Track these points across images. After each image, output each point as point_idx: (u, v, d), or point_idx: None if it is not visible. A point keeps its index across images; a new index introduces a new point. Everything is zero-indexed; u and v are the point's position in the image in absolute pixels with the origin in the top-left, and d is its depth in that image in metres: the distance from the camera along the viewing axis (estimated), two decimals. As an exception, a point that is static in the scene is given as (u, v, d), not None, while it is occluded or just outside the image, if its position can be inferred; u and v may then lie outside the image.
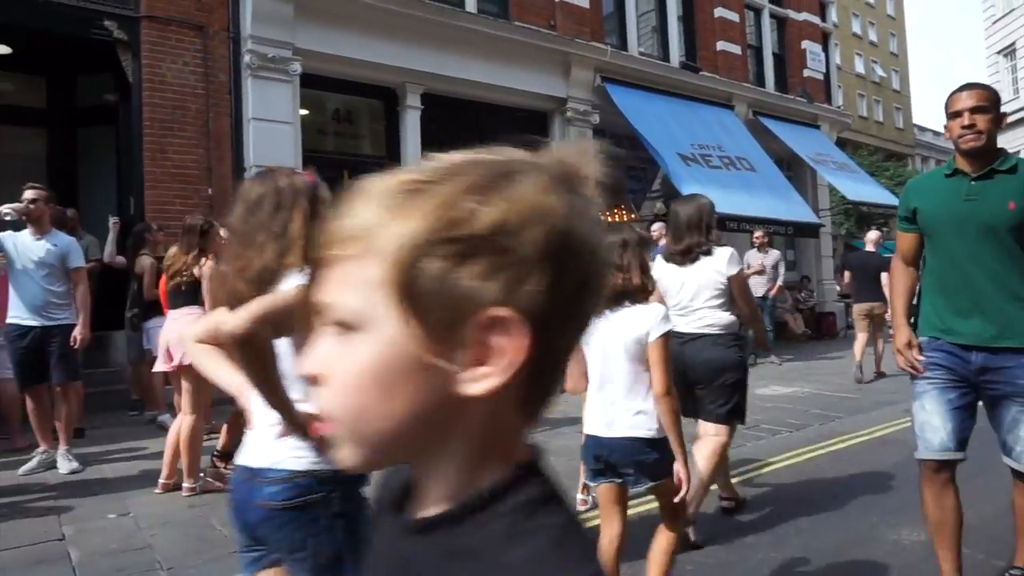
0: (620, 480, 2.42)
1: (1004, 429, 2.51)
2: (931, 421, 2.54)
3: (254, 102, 8.08)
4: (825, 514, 3.79)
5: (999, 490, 4.06)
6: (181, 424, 4.27)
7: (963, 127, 2.45)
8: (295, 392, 1.52)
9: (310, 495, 1.54)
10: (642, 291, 2.41)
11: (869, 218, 21.96)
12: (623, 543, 2.46)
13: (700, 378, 3.45)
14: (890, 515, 3.72)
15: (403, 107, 9.58)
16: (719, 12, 13.74)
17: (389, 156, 9.73)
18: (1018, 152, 18.18)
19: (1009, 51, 29.55)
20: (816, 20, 16.39)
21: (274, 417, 1.54)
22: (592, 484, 2.63)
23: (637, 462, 2.36)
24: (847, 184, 14.19)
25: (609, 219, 12.10)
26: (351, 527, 1.57)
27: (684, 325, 3.44)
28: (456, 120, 10.30)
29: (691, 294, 3.49)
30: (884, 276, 7.75)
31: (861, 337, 8.40)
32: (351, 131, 9.97)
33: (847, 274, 8.97)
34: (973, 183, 2.48)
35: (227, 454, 4.67)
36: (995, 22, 30.49)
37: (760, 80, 14.95)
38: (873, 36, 41.08)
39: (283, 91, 8.29)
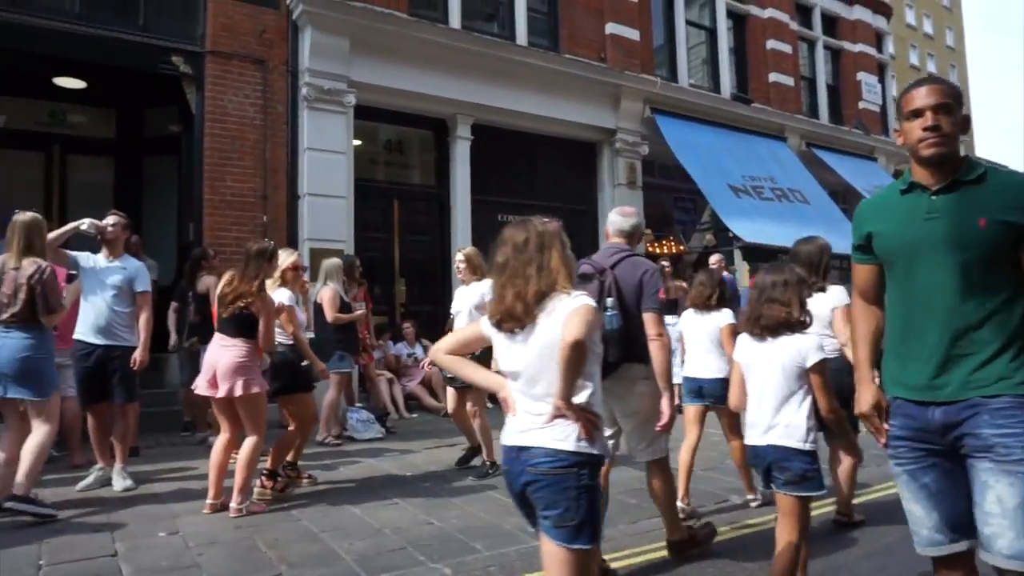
0: (774, 485, 2.81)
1: (975, 503, 1.92)
2: (912, 511, 2.05)
3: (310, 133, 8.31)
4: (883, 557, 3.61)
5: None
6: (244, 445, 4.34)
7: (925, 129, 1.99)
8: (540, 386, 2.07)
9: (565, 469, 2.01)
10: (800, 323, 2.80)
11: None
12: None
13: None
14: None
15: (453, 138, 9.73)
16: (771, 44, 13.66)
17: (439, 185, 9.88)
18: None
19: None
20: (872, 51, 16.15)
21: (537, 407, 2.05)
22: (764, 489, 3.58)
23: (785, 467, 2.73)
24: (905, 217, 13.82)
25: (658, 250, 12.03)
26: (592, 500, 2.04)
27: None
28: (505, 150, 10.41)
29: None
30: None
31: None
32: (402, 161, 10.16)
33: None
34: (934, 198, 2.02)
35: (275, 473, 4.74)
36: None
37: (814, 112, 14.75)
38: (932, 67, 40.23)
39: (338, 122, 8.52)
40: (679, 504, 4.09)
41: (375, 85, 8.78)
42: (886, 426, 2.13)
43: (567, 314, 2.01)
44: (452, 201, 9.66)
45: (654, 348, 3.25)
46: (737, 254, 11.45)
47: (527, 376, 2.10)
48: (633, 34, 11.38)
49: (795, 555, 2.74)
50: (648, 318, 3.31)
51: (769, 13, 13.71)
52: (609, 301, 3.31)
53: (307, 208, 8.25)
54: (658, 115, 11.41)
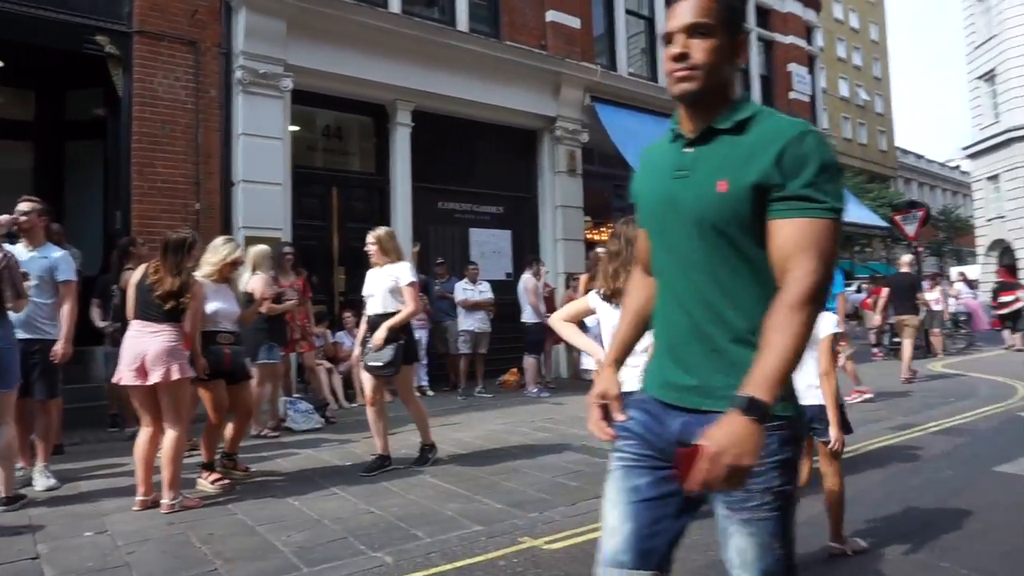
0: (812, 434, 3.33)
1: (719, 545, 1.55)
2: (608, 517, 1.65)
3: (245, 117, 8.08)
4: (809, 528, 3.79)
5: (983, 508, 4.09)
6: (164, 438, 4.21)
7: (671, 58, 1.50)
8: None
9: None
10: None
11: (853, 238, 22.16)
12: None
13: None
14: (872, 534, 3.72)
15: (393, 124, 9.62)
16: (707, 34, 13.92)
17: (379, 173, 9.77)
18: (996, 178, 18.45)
19: (990, 76, 30.08)
20: (802, 43, 16.64)
21: (635, 360, 2.16)
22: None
23: (818, 423, 3.28)
24: (833, 205, 14.34)
25: (598, 237, 12.18)
26: None
27: None
28: (446, 137, 10.36)
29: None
30: (918, 293, 10.58)
31: (907, 344, 10.24)
32: (341, 147, 9.99)
33: (885, 291, 11.35)
34: (686, 151, 1.55)
35: (211, 465, 4.65)
36: (976, 47, 31.07)
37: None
38: (857, 60, 41.74)
39: (274, 107, 8.31)
40: None
41: (313, 69, 8.59)
42: (620, 416, 1.70)
43: None
44: (392, 188, 9.57)
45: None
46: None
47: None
48: (574, 22, 11.44)
49: (841, 492, 3.38)
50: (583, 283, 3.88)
51: (705, 4, 13.95)
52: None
53: (242, 195, 8.03)
54: (598, 103, 11.52)
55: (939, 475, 4.91)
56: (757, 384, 1.30)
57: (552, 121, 11.19)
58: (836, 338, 3.37)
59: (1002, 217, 29.62)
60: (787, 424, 1.45)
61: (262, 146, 8.15)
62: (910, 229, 15.40)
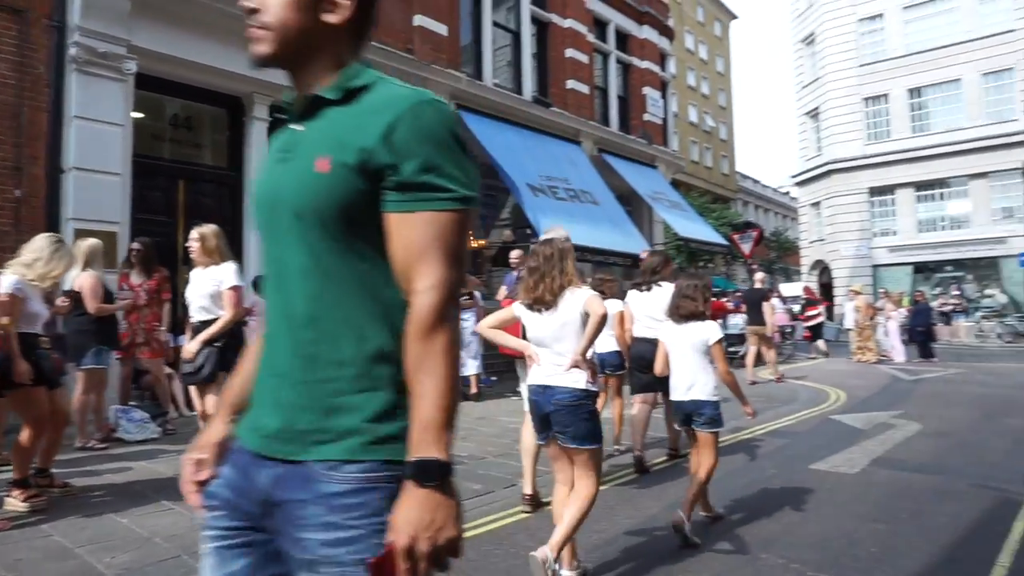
0: (688, 425, 3.98)
1: None
2: None
3: (78, 99, 7.38)
4: (646, 528, 4.02)
5: (799, 502, 4.53)
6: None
7: (246, 12, 1.25)
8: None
9: (579, 400, 3.14)
10: (704, 315, 3.97)
11: (697, 253, 23.75)
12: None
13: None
14: (703, 529, 4.02)
15: (249, 118, 9.17)
16: (570, 53, 14.46)
17: (231, 168, 9.27)
18: (818, 205, 20.48)
19: (815, 114, 33.49)
20: (657, 69, 17.69)
21: (558, 360, 3.16)
22: (677, 427, 4.38)
23: (691, 414, 3.93)
24: (679, 221, 15.35)
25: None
26: (594, 418, 3.21)
27: (643, 331, 5.46)
28: (306, 135, 10.02)
29: (648, 312, 5.41)
30: (765, 304, 11.55)
31: (752, 350, 11.53)
32: (190, 139, 9.37)
33: (743, 305, 12.51)
34: (294, 128, 1.28)
35: (25, 481, 4.19)
36: (804, 87, 34.48)
37: (605, 120, 15.86)
38: (705, 89, 44.94)
39: (114, 90, 7.65)
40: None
41: (162, 54, 8.00)
42: (205, 475, 1.31)
43: (589, 299, 3.19)
44: (246, 186, 9.12)
45: (481, 325, 3.94)
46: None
47: (552, 339, 3.23)
48: (441, 28, 11.48)
49: (711, 473, 3.92)
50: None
51: (569, 23, 14.50)
52: None
53: (73, 184, 7.32)
54: (463, 111, 11.62)
55: (763, 474, 5.38)
56: (421, 441, 1.05)
57: (417, 126, 11.13)
58: (722, 342, 4.02)
59: (822, 240, 33.02)
60: (394, 477, 1.08)
61: (98, 132, 7.48)
62: (746, 247, 16.80)
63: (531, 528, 4.05)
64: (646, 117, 17.02)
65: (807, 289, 20.52)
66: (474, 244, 13.19)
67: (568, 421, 3.16)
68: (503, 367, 11.79)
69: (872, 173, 30.66)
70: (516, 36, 13.64)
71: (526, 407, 4.25)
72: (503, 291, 9.63)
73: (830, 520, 4.18)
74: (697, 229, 16.05)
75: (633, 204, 16.08)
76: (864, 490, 4.87)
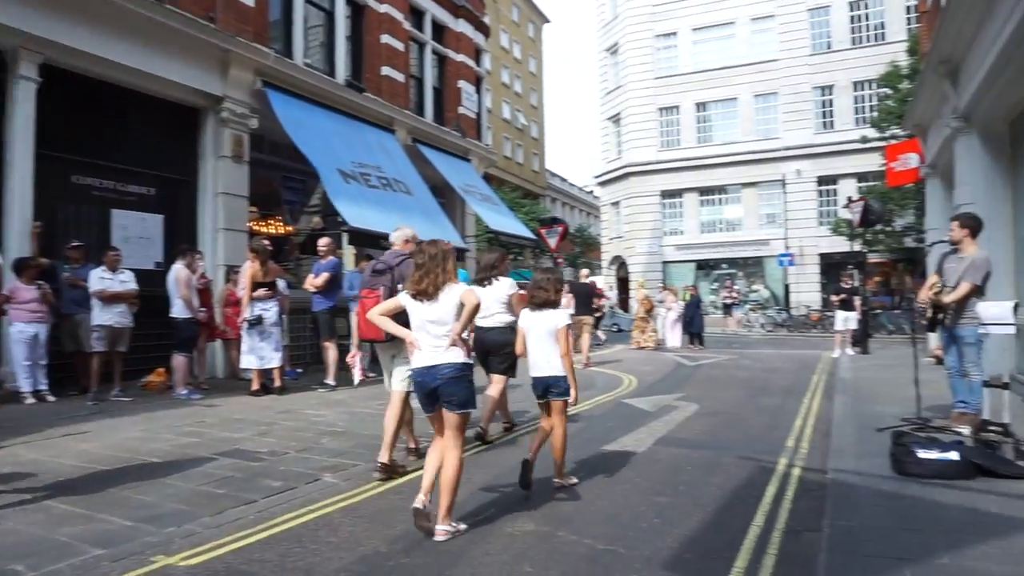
0: (544, 398, 4.64)
1: None
2: None
3: None
4: (453, 516, 4.09)
5: (592, 481, 4.84)
6: None
7: None
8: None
9: (461, 372, 3.78)
10: (556, 303, 4.67)
11: (508, 247, 24.50)
12: (549, 433, 4.65)
13: (493, 350, 6.03)
14: (506, 510, 4.17)
15: (14, 76, 7.98)
16: (385, 39, 14.23)
17: (-13, 132, 8.01)
18: (617, 205, 22.39)
19: (616, 119, 35.92)
20: (472, 64, 17.96)
21: (439, 342, 3.78)
22: (537, 401, 4.76)
23: (549, 387, 4.60)
24: (491, 215, 15.74)
25: (264, 229, 11.62)
26: (471, 388, 3.87)
27: (483, 321, 5.90)
28: (87, 102, 8.96)
29: (488, 304, 5.79)
30: (593, 297, 13.17)
31: (586, 338, 12.96)
32: (-69, 94, 7.97)
33: (571, 296, 12.85)
34: None
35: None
36: (608, 93, 36.83)
37: (420, 110, 15.82)
38: (518, 88, 46.44)
39: None
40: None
41: None
42: None
43: (465, 292, 3.81)
44: (9, 154, 7.94)
45: (371, 313, 4.34)
46: (345, 238, 11.68)
47: (434, 324, 3.81)
48: (247, -1, 10.76)
49: (565, 433, 4.64)
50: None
51: (385, 8, 14.25)
52: (400, 287, 4.71)
53: None
54: (270, 89, 11.00)
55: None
56: None
57: (218, 101, 10.36)
58: (569, 328, 4.66)
59: (621, 237, 35.59)
60: None
61: None
62: (552, 241, 17.61)
63: (334, 524, 3.96)
64: (460, 110, 17.21)
65: (592, 284, 22.16)
66: (282, 230, 12.57)
67: (454, 391, 3.79)
68: (310, 359, 11.40)
69: (664, 177, 33.57)
70: (330, 16, 13.16)
71: (391, 387, 5.08)
72: (311, 279, 9.29)
73: (619, 497, 4.53)
74: (507, 223, 16.56)
75: (446, 196, 16.23)
76: (649, 467, 5.33)
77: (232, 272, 9.64)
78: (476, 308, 3.79)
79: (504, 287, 6.07)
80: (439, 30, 16.78)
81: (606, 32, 37.06)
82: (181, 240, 9.54)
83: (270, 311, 8.55)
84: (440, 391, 3.79)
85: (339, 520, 4.02)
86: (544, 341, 4.61)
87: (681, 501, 4.41)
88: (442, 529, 3.68)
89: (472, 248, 17.46)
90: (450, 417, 3.82)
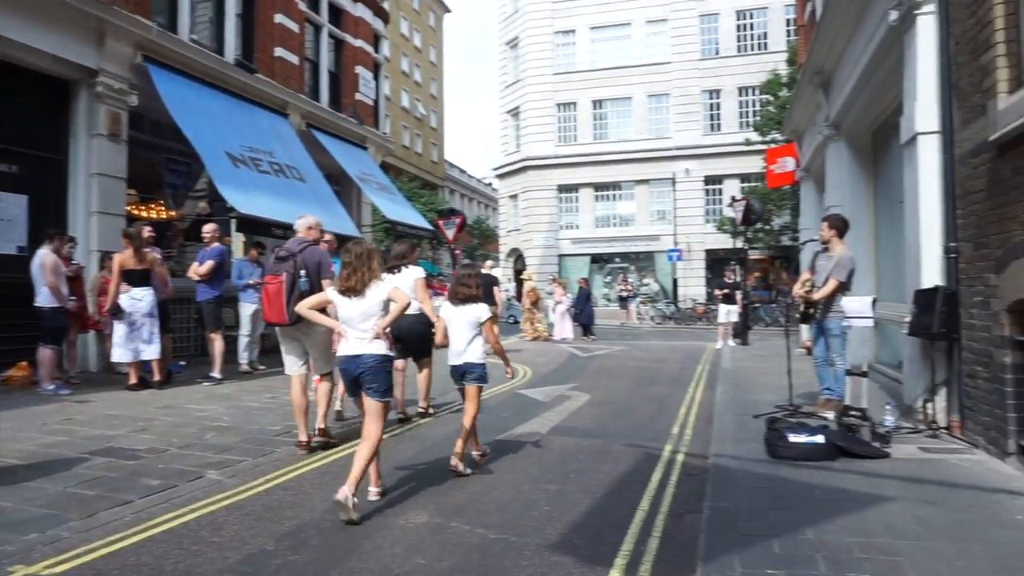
0: (464, 382, 5.01)
1: None
2: None
3: None
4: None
5: (486, 471, 4.89)
6: None
7: None
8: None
9: (382, 363, 4.11)
10: (477, 298, 5.04)
11: (405, 237, 24.21)
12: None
13: (407, 336, 6.33)
14: (400, 503, 4.15)
15: None
16: (279, 19, 13.67)
17: None
18: (516, 197, 22.86)
19: (515, 112, 36.20)
20: (370, 49, 17.57)
21: (364, 334, 4.10)
22: (456, 385, 5.14)
23: (464, 373, 4.98)
24: (387, 204, 15.49)
25: (144, 213, 10.92)
26: (391, 378, 4.25)
27: None
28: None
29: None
30: (495, 289, 12.69)
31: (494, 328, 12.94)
32: None
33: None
34: None
35: None
36: (507, 87, 37.03)
37: (316, 94, 15.32)
38: (418, 77, 45.88)
39: None
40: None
41: None
42: None
43: (393, 290, 4.20)
44: None
45: (300, 306, 4.59)
46: (233, 225, 11.17)
47: (360, 318, 4.12)
48: (124, -34, 10.02)
49: (476, 415, 4.99)
50: (326, 284, 5.21)
51: (278, -13, 13.69)
52: (302, 273, 5.37)
53: None
54: (152, 65, 10.33)
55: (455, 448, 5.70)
56: None
57: (93, 75, 9.61)
58: (494, 319, 5.27)
59: (518, 230, 35.94)
60: None
61: None
62: (450, 233, 17.58)
63: (218, 522, 3.80)
64: (358, 97, 16.82)
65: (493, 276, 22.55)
66: (164, 215, 11.86)
67: (374, 379, 4.11)
68: (195, 351, 10.84)
69: (561, 172, 34.18)
70: (219, -10, 12.49)
71: (289, 370, 5.63)
72: (195, 267, 8.83)
73: (511, 486, 4.60)
74: (405, 213, 16.36)
75: (342, 184, 15.83)
76: (542, 456, 5.44)
77: (107, 259, 9.01)
78: (405, 307, 4.20)
79: (412, 275, 6.34)
80: (336, 13, 16.30)
81: (507, 26, 37.23)
82: (49, 223, 8.80)
83: (142, 300, 8.06)
84: (362, 379, 4.12)
85: (223, 519, 3.86)
86: (465, 332, 4.97)
87: (572, 488, 4.53)
88: (374, 490, 4.25)
89: (368, 238, 17.15)
90: (370, 404, 4.14)
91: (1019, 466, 4.48)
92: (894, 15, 6.37)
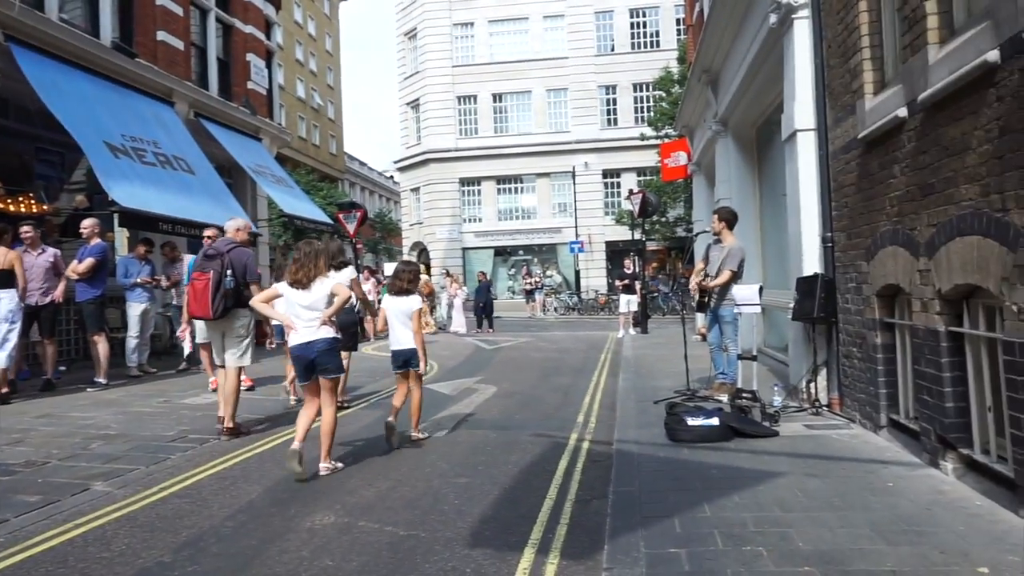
0: (403, 369, 5.59)
1: None
2: None
3: None
4: (246, 516, 3.88)
5: (392, 468, 4.85)
6: None
7: None
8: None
9: (332, 345, 4.79)
10: (409, 291, 5.58)
11: (304, 232, 23.52)
12: (405, 397, 5.64)
13: (341, 328, 5.84)
14: (306, 505, 4.05)
15: None
16: (161, 0, 12.89)
17: None
18: (417, 191, 22.96)
19: (415, 104, 35.82)
20: (261, 36, 16.87)
21: (312, 322, 4.73)
22: (395, 371, 5.70)
23: (408, 360, 5.54)
24: (285, 198, 14.97)
25: (10, 207, 10.06)
26: (339, 357, 4.98)
27: None
28: None
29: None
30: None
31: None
32: None
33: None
34: None
35: None
36: (406, 78, 36.57)
37: (204, 82, 14.56)
38: (313, 66, 44.46)
39: None
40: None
41: None
42: None
43: (338, 284, 4.84)
44: None
45: (254, 300, 5.21)
46: (115, 220, 10.47)
47: (308, 307, 4.72)
48: (-19, -63, 9.15)
49: (421, 396, 5.75)
50: (252, 285, 5.93)
51: (160, -33, 12.90)
52: (228, 272, 5.79)
53: None
54: (16, 46, 9.49)
55: (362, 446, 5.61)
56: None
57: (-55, 55, 8.74)
58: (421, 311, 5.74)
59: (421, 223, 35.65)
60: None
61: None
62: (351, 227, 17.19)
63: (107, 537, 3.58)
64: (250, 85, 16.12)
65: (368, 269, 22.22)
66: (34, 209, 10.96)
67: (327, 360, 4.75)
68: (76, 354, 10.13)
69: (463, 165, 34.14)
70: (91, -33, 11.62)
71: (226, 363, 5.91)
72: (74, 265, 8.23)
73: (420, 481, 4.58)
74: (303, 207, 15.87)
75: (234, 176, 15.16)
76: (450, 450, 5.44)
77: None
78: (347, 299, 4.87)
79: (348, 273, 6.59)
80: (224, -3, 15.54)
81: (405, 16, 36.73)
82: None
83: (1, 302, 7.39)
84: (316, 362, 4.73)
85: (113, 532, 3.64)
86: (401, 322, 5.58)
87: (480, 481, 4.56)
88: (324, 466, 4.74)
89: (265, 233, 16.52)
90: (325, 382, 4.82)
91: (890, 438, 4.88)
92: (773, 18, 6.76)
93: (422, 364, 5.58)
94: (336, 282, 4.88)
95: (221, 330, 5.91)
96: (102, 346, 8.38)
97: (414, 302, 5.58)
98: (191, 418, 6.61)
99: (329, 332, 4.76)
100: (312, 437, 4.83)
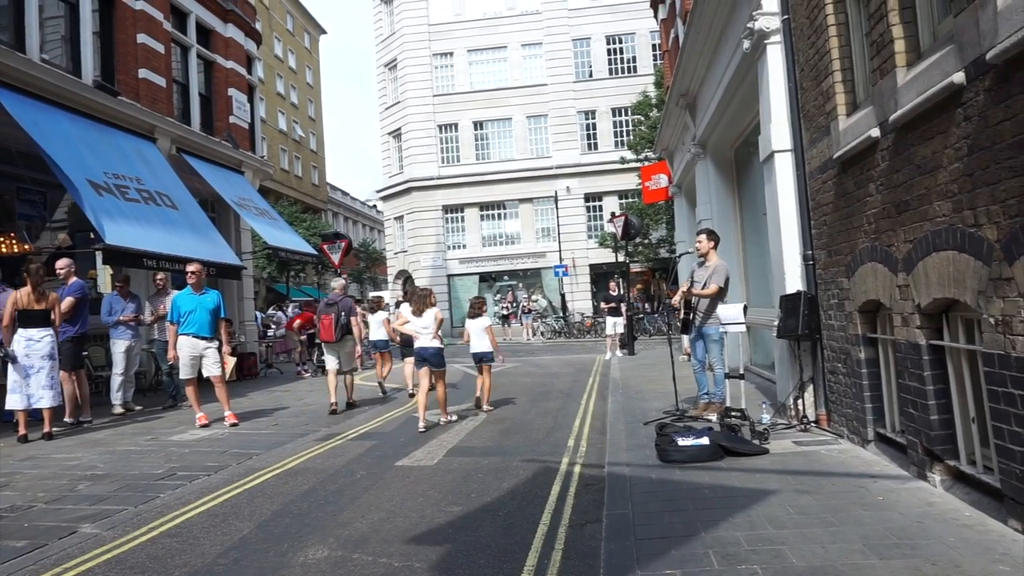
0: (479, 364, 8.82)
1: None
2: None
3: None
4: (239, 553, 3.84)
5: (386, 499, 4.82)
6: None
7: None
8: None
9: (440, 351, 7.95)
10: (481, 314, 8.93)
11: (288, 264, 23.46)
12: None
13: (427, 355, 8.10)
14: (299, 540, 4.01)
15: None
16: (143, 38, 12.96)
17: None
18: (401, 219, 22.82)
19: (397, 133, 36.03)
20: (243, 71, 16.97)
21: (427, 334, 7.96)
22: (475, 364, 8.94)
23: (481, 358, 8.76)
24: (268, 230, 14.95)
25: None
26: (443, 356, 8.10)
27: (421, 336, 8.38)
28: None
29: (421, 324, 8.30)
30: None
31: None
32: None
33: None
34: None
35: None
36: (388, 108, 36.81)
37: (186, 117, 14.61)
38: (295, 99, 44.73)
39: None
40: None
41: None
42: None
43: (436, 312, 8.00)
44: None
45: (355, 331, 9.14)
46: (99, 257, 10.42)
47: (423, 327, 7.88)
48: (-39, -20, 9.21)
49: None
50: (354, 321, 9.20)
51: (141, 6, 12.98)
52: (343, 314, 9.13)
53: None
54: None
55: (353, 477, 5.58)
56: None
57: (-75, 97, 8.73)
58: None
59: (405, 251, 35.65)
60: None
61: None
62: (335, 257, 17.19)
63: (98, 578, 3.53)
64: (232, 119, 16.19)
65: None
66: (16, 249, 10.88)
67: (435, 360, 7.75)
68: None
69: (446, 192, 34.28)
70: (73, 8, 11.68)
71: (330, 366, 9.24)
72: (57, 299, 8.15)
73: (414, 511, 4.56)
74: (287, 238, 15.84)
75: (218, 210, 15.16)
76: (441, 478, 5.42)
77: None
78: (441, 322, 7.97)
79: (434, 312, 8.21)
80: (205, 34, 15.66)
81: (384, 48, 37.07)
82: None
83: (41, 342, 7.44)
84: (428, 359, 7.73)
85: (103, 575, 3.59)
86: (477, 334, 8.70)
87: (473, 508, 4.55)
88: (443, 419, 7.85)
89: (250, 266, 16.47)
90: (435, 372, 7.84)
91: (878, 452, 4.93)
92: (747, 44, 6.93)
93: (498, 359, 8.90)
94: (436, 310, 7.93)
95: (338, 350, 9.17)
96: (71, 386, 8.35)
97: (485, 320, 8.73)
98: (179, 455, 6.54)
99: (437, 344, 7.78)
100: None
